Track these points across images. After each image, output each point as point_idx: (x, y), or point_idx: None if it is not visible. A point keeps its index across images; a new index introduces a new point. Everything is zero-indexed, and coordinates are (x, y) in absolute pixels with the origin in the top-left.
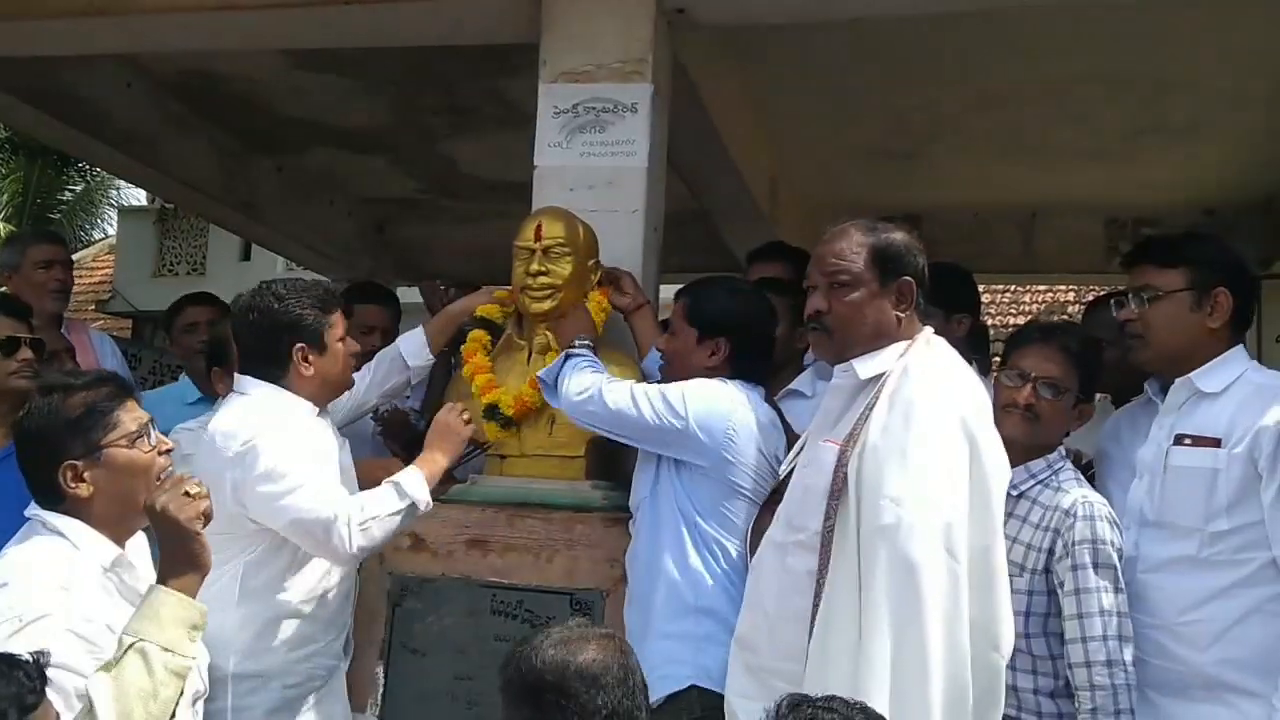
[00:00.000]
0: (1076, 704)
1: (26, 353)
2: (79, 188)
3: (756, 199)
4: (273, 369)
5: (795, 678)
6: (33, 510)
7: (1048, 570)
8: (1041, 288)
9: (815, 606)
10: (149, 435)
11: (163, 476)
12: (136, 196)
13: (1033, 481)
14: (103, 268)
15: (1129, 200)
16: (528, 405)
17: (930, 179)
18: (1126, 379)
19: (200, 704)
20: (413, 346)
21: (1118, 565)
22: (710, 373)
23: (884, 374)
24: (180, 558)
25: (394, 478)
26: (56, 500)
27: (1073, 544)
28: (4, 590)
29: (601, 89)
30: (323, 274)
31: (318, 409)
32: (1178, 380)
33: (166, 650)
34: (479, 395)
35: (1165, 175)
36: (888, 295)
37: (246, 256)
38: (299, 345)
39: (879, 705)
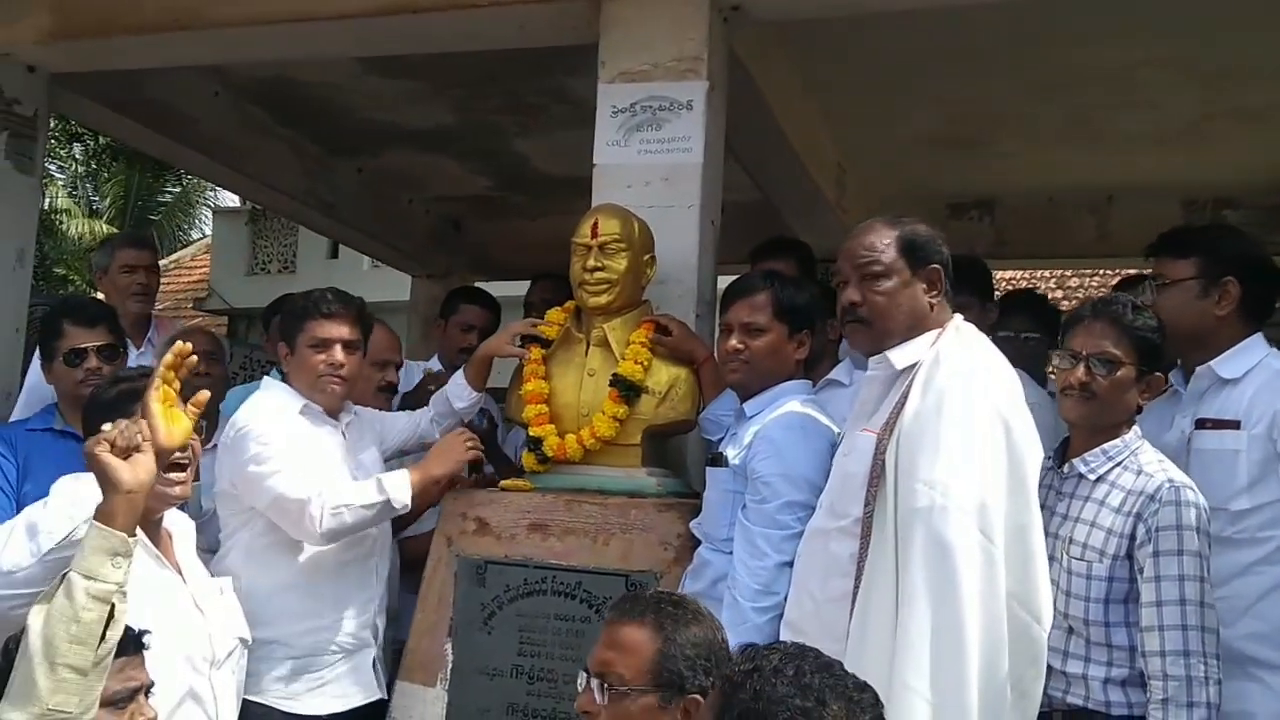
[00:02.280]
0: (1148, 694)
1: (93, 361)
2: (176, 190)
3: (823, 189)
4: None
5: (842, 657)
6: None
7: (1129, 556)
8: (1131, 270)
9: (856, 589)
10: None
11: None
12: (230, 198)
13: (1110, 464)
14: (200, 267)
15: (1206, 181)
16: (568, 455)
17: (1000, 165)
18: None
19: (240, 652)
20: (456, 389)
21: (1204, 555)
22: (798, 365)
23: (917, 362)
24: (100, 486)
25: (380, 475)
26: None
27: (1156, 529)
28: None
29: (657, 88)
30: (403, 270)
31: (319, 407)
32: (1199, 369)
33: (88, 578)
34: (529, 422)
35: (1240, 157)
36: (918, 283)
37: (334, 254)
38: (281, 342)
39: (917, 683)
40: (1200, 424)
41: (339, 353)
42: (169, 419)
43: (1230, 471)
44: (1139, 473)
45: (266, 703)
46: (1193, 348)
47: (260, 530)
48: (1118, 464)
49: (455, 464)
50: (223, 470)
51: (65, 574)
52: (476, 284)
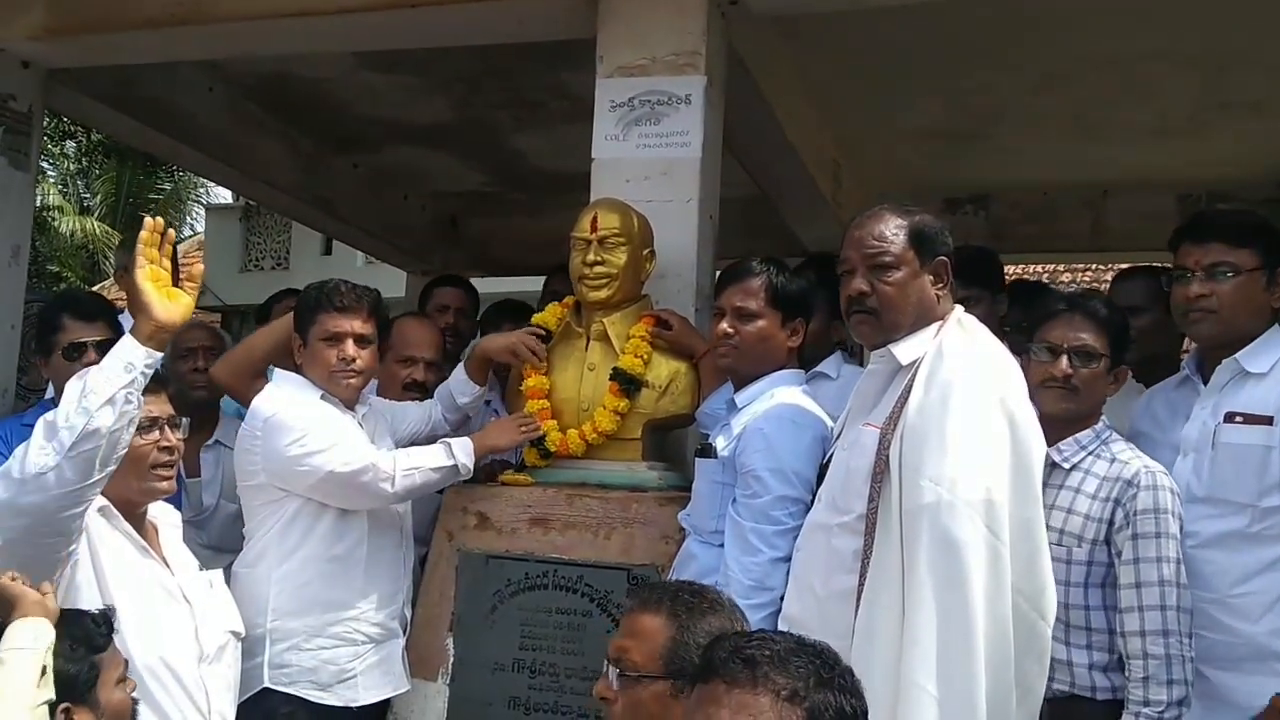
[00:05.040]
0: (1127, 673)
1: (92, 356)
2: (168, 187)
3: (819, 184)
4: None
5: (846, 654)
6: None
7: (1108, 541)
8: (1125, 265)
9: (861, 585)
10: (155, 429)
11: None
12: (223, 195)
13: (1084, 453)
14: (192, 264)
15: (1200, 176)
16: (570, 450)
17: (996, 159)
18: (1154, 349)
19: (234, 645)
20: (459, 384)
21: (1179, 537)
22: (791, 354)
23: (919, 356)
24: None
25: (447, 440)
26: None
27: (1135, 513)
28: None
29: (655, 82)
30: (399, 267)
31: (336, 398)
32: (1224, 361)
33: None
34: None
35: (1236, 150)
36: (926, 275)
37: (328, 251)
38: (294, 334)
39: (925, 680)
40: (1229, 417)
41: (350, 347)
42: (167, 296)
43: (1261, 468)
44: (1113, 460)
45: (296, 694)
46: (1236, 339)
47: (287, 523)
48: (1090, 453)
49: (514, 438)
50: (251, 463)
51: None
52: (473, 281)
